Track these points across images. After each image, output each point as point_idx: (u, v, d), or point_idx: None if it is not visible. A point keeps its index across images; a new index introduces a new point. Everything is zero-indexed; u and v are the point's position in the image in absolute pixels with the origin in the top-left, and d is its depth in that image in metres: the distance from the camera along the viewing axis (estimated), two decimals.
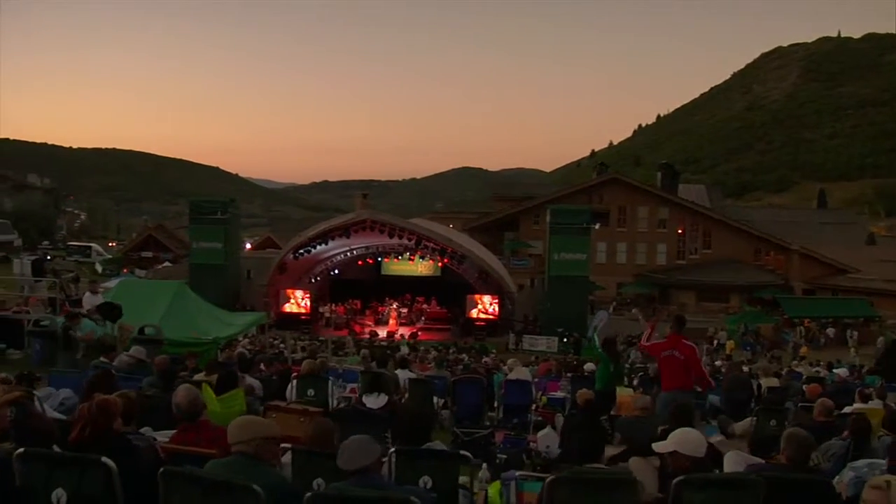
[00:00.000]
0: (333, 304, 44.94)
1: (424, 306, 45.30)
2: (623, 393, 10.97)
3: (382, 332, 39.52)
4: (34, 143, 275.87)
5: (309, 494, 3.55)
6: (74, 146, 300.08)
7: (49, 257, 57.04)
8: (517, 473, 5.01)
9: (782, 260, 58.16)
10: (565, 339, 36.93)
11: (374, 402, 7.95)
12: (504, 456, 6.37)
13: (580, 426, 6.31)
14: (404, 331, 40.56)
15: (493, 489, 5.38)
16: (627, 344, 35.11)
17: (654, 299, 55.76)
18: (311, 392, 8.98)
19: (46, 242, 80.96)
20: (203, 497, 3.61)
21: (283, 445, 5.31)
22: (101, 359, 10.68)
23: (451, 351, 31.86)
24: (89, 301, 14.63)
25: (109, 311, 13.65)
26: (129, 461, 3.95)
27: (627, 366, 21.58)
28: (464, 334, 40.09)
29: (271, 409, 6.75)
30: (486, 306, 40.58)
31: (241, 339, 26.21)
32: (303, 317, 41.24)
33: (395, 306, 44.20)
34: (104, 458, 3.73)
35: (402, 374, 11.73)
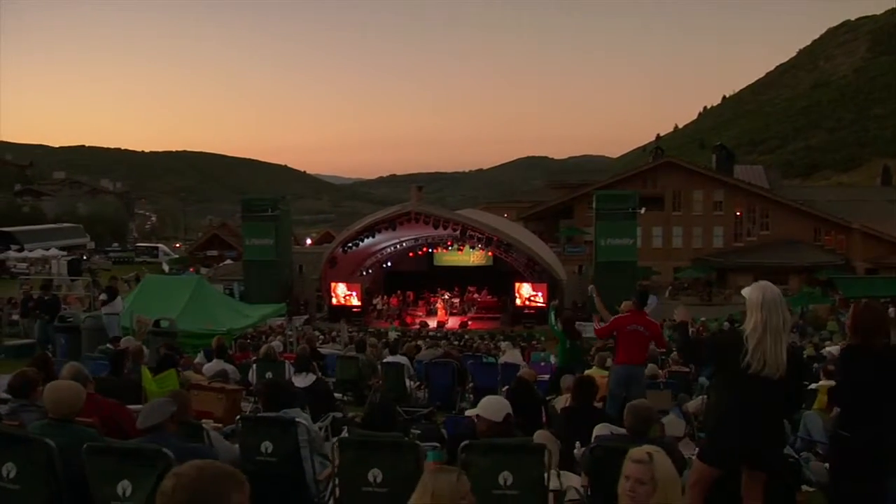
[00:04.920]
0: (386, 296, 45.51)
1: (475, 296, 45.55)
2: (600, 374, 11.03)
3: (433, 323, 39.95)
4: (108, 149, 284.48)
5: (86, 445, 4.01)
6: (147, 150, 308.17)
7: (85, 257, 58.97)
8: None
9: (843, 239, 56.95)
10: None
11: (301, 381, 8.48)
12: (418, 431, 6.68)
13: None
14: (454, 321, 40.96)
15: None
16: (673, 328, 34.89)
17: (712, 283, 55.17)
18: (268, 375, 9.45)
19: (116, 244, 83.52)
20: (4, 449, 4.16)
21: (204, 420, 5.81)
22: (108, 345, 11.46)
23: (495, 339, 32.11)
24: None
25: None
26: None
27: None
28: (513, 322, 40.23)
29: (193, 387, 7.17)
30: (527, 294, 40.69)
31: (288, 332, 27.00)
32: (354, 309, 41.88)
33: (445, 297, 44.51)
34: None
35: (393, 359, 12.13)
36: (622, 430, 5.19)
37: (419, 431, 6.63)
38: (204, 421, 5.94)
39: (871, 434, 4.67)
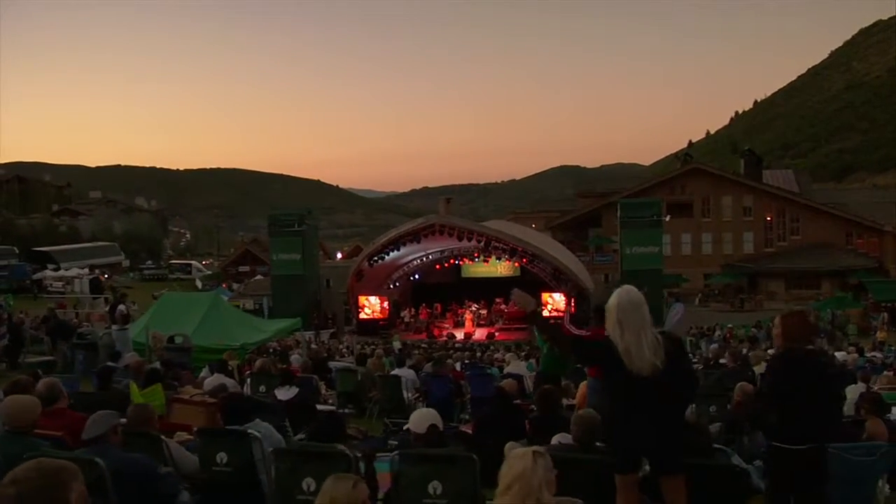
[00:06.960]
0: (414, 308, 45.62)
1: (503, 307, 45.44)
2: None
3: (460, 335, 39.96)
4: (143, 168, 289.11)
5: (25, 456, 4.22)
6: (181, 168, 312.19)
7: (106, 275, 59.73)
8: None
9: (876, 242, 56.23)
10: None
11: (284, 394, 8.61)
12: (395, 442, 6.80)
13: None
14: (481, 332, 40.92)
15: None
16: (700, 335, 34.68)
17: (743, 289, 54.74)
18: (262, 388, 9.62)
19: (150, 262, 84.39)
20: None
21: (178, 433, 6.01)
22: (108, 363, 11.72)
23: (521, 349, 32.12)
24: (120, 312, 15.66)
25: None
26: None
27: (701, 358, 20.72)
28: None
29: (175, 401, 7.36)
30: (557, 304, 40.51)
31: (313, 345, 27.24)
32: (381, 322, 42.02)
33: (473, 308, 44.51)
34: None
35: (394, 372, 12.26)
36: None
37: (396, 442, 6.75)
38: (178, 433, 6.14)
39: (805, 445, 4.72)
